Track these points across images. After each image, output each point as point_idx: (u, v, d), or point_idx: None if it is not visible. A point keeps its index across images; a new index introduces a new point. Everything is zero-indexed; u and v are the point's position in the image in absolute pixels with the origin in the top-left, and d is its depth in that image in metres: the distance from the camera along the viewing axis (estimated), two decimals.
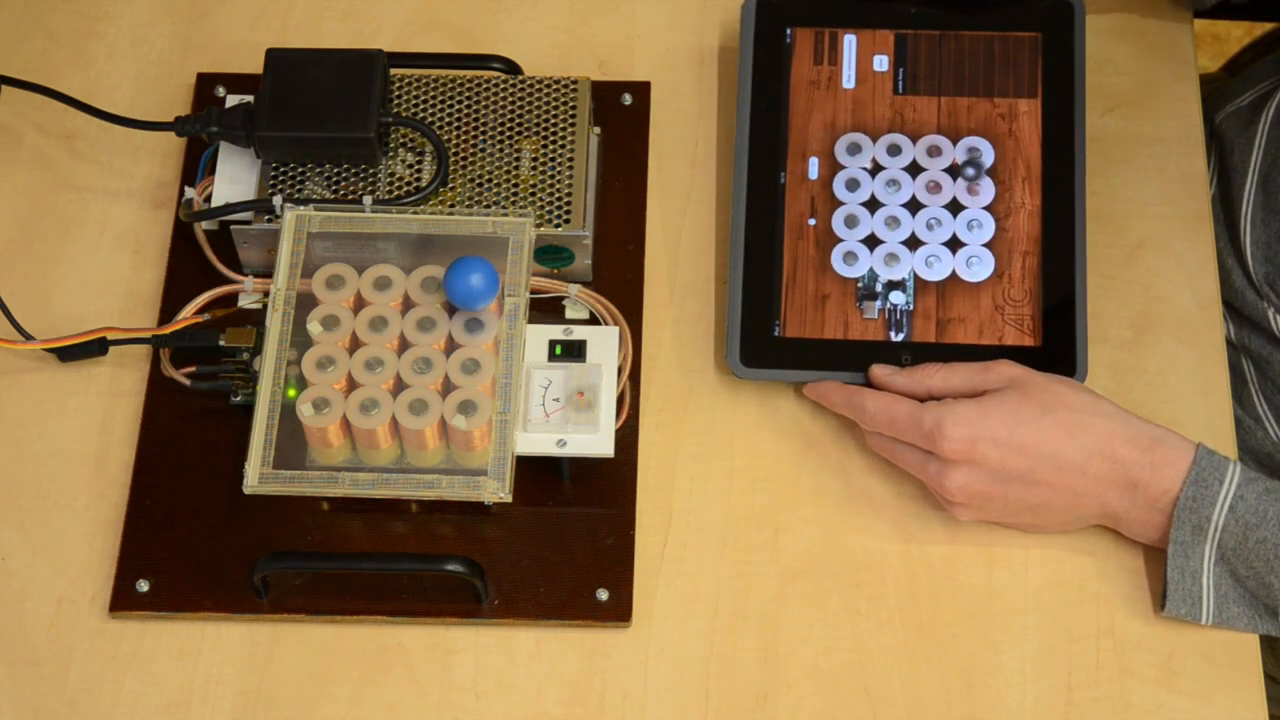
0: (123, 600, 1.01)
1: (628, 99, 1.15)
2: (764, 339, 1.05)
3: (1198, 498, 0.96)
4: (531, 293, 1.05)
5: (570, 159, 1.08)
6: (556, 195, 1.06)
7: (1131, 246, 1.12)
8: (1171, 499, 0.97)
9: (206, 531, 1.02)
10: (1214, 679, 1.00)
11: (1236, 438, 1.07)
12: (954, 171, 1.09)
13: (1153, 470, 0.97)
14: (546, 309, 1.08)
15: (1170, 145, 1.15)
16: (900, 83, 1.11)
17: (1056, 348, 1.04)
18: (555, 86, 1.10)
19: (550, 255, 1.07)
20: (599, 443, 1.01)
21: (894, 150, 1.09)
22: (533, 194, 1.07)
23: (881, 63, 1.11)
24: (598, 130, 1.11)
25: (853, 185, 1.09)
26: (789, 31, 1.12)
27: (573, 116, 1.09)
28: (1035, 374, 1.00)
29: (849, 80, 1.11)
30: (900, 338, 1.05)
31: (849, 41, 1.12)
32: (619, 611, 1.01)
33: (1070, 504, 0.99)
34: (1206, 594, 0.98)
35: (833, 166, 1.09)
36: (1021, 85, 1.10)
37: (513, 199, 1.06)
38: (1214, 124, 1.20)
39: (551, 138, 1.08)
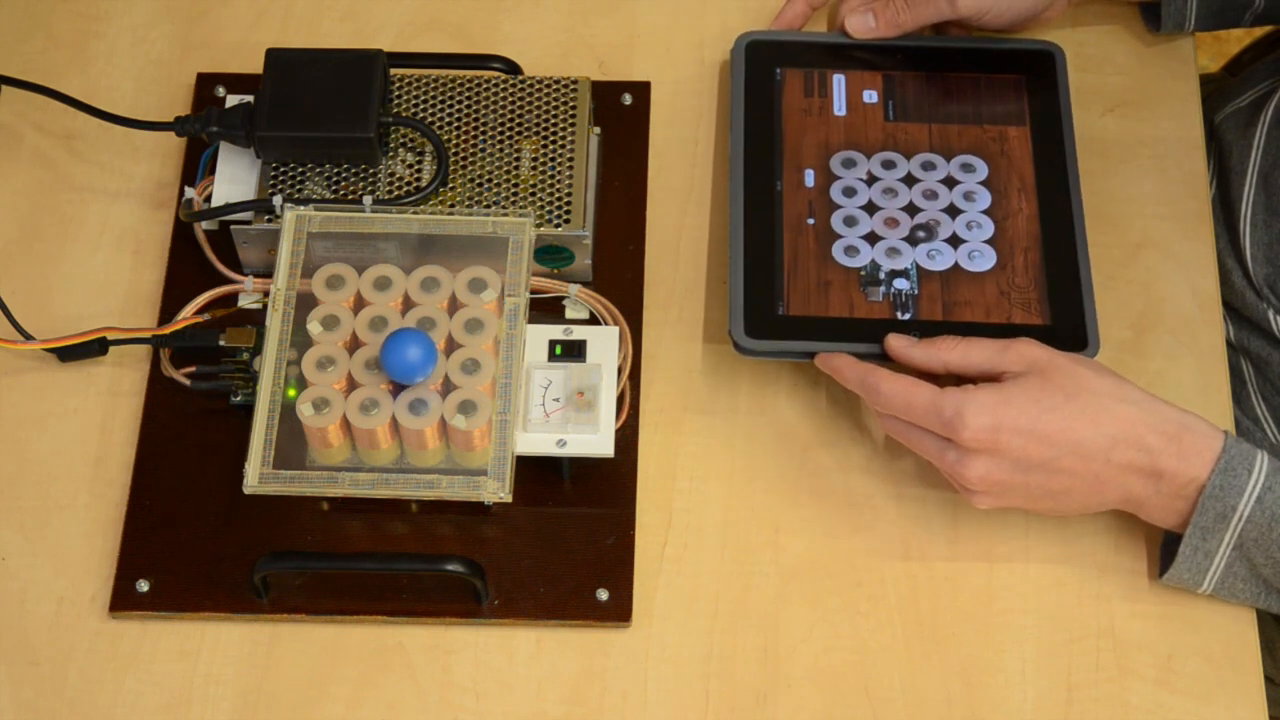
0: (123, 600, 1.01)
1: (628, 99, 1.15)
2: (769, 314, 1.04)
3: (1225, 487, 0.96)
4: (531, 293, 1.05)
5: (570, 159, 1.08)
6: (556, 195, 1.07)
7: (1131, 246, 1.12)
8: (1197, 487, 0.96)
9: (206, 531, 1.02)
10: (1214, 679, 1.00)
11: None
12: (949, 183, 1.09)
13: (1179, 458, 0.96)
14: (546, 309, 1.08)
15: (1170, 145, 1.15)
16: (890, 113, 1.11)
17: (1066, 324, 1.03)
18: (555, 86, 1.10)
19: (550, 255, 1.07)
20: (599, 443, 1.01)
21: (888, 165, 1.10)
22: (533, 194, 1.07)
23: (871, 96, 1.12)
24: (598, 130, 1.12)
25: (849, 192, 1.09)
26: (778, 71, 1.12)
27: (573, 116, 1.09)
28: (1057, 355, 0.98)
29: (840, 109, 1.11)
30: (907, 317, 1.04)
31: (838, 80, 1.12)
32: (619, 611, 1.01)
33: (1092, 490, 0.98)
34: (1214, 570, 0.98)
35: (829, 177, 1.09)
36: (1009, 116, 1.11)
37: (513, 199, 1.06)
38: (1214, 124, 1.20)
39: (551, 138, 1.08)
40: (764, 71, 1.13)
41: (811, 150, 1.10)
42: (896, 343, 1.01)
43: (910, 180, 1.09)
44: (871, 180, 1.09)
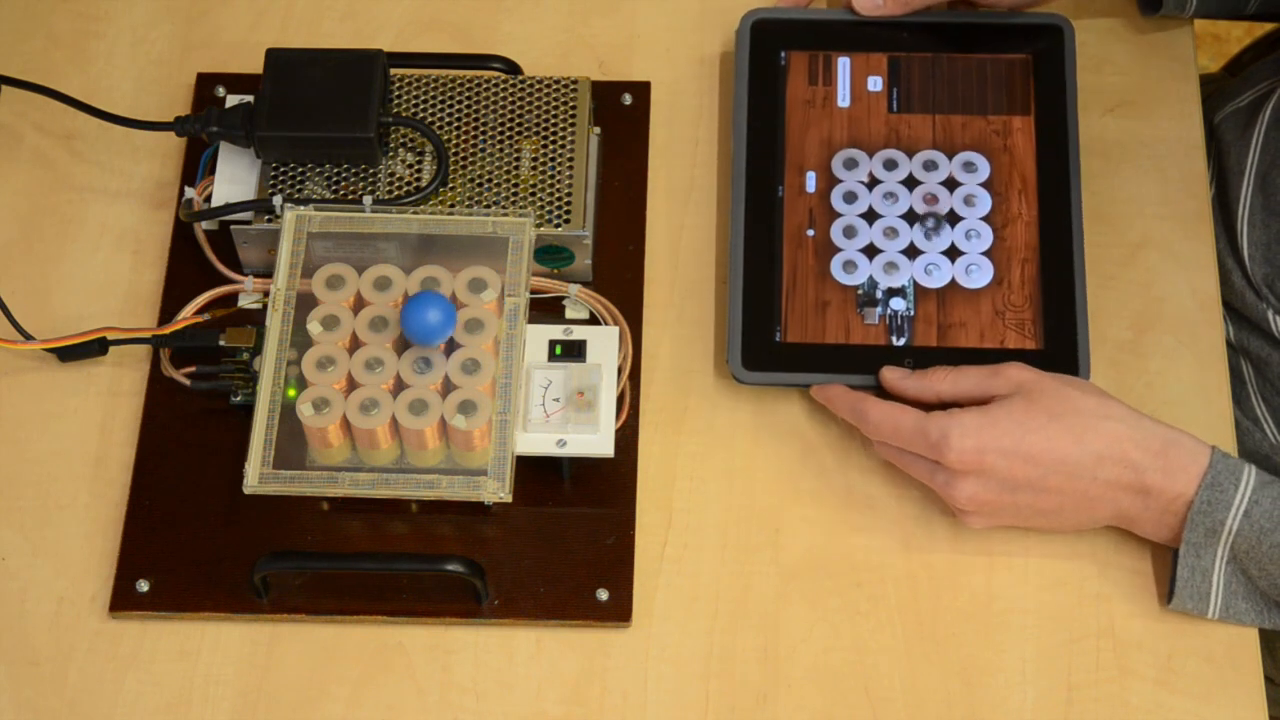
0: (123, 600, 1.01)
1: (628, 99, 1.15)
2: (765, 343, 1.05)
3: (1212, 502, 0.96)
4: (531, 293, 1.05)
5: (570, 159, 1.08)
6: (556, 195, 1.07)
7: (1131, 246, 1.12)
8: (1185, 503, 0.97)
9: (206, 531, 1.02)
10: (1214, 679, 1.00)
11: (1235, 438, 1.07)
12: (950, 185, 1.09)
13: (1165, 474, 0.97)
14: (546, 309, 1.08)
15: (1170, 145, 1.15)
16: (894, 102, 1.11)
17: (1058, 350, 1.04)
18: (555, 86, 1.10)
19: (550, 255, 1.07)
20: (599, 443, 1.01)
21: (890, 165, 1.10)
22: (533, 194, 1.07)
23: (876, 83, 1.12)
24: (598, 130, 1.12)
25: (850, 198, 1.09)
26: (783, 54, 1.12)
27: (573, 116, 1.09)
28: (1044, 377, 0.99)
29: (844, 100, 1.11)
30: (902, 342, 1.05)
31: (843, 64, 1.12)
32: (619, 611, 1.01)
33: (1082, 507, 0.99)
34: (1215, 591, 0.98)
35: (830, 180, 1.09)
36: (1015, 104, 1.11)
37: (513, 199, 1.06)
38: (1213, 124, 1.20)
39: (551, 138, 1.08)
40: (769, 55, 1.12)
41: (814, 149, 1.10)
42: (891, 375, 1.03)
43: (911, 183, 1.09)
44: (873, 183, 1.09)
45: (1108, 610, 1.02)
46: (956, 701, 0.99)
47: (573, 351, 1.03)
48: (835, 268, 1.07)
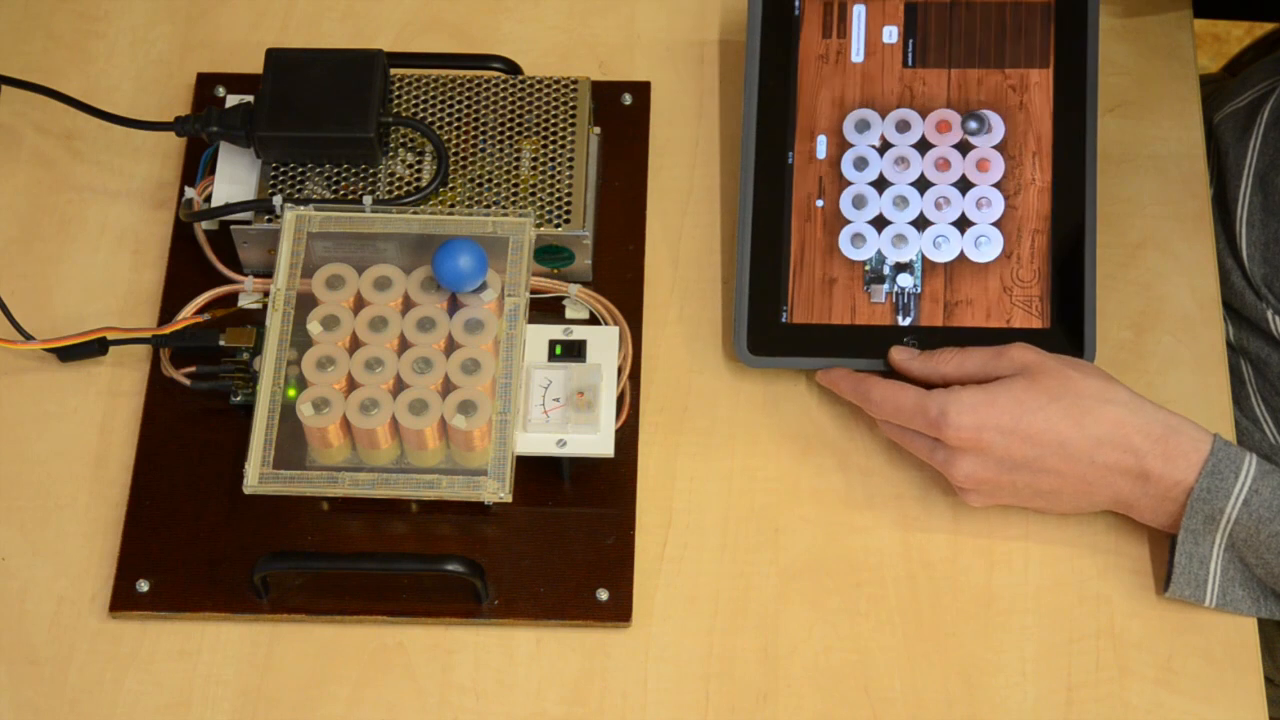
0: (123, 600, 1.01)
1: (628, 99, 1.15)
2: (771, 325, 1.05)
3: (1212, 489, 0.96)
4: (531, 293, 1.05)
5: (570, 159, 1.08)
6: (556, 195, 1.07)
7: (1131, 246, 1.12)
8: (1185, 489, 0.97)
9: (206, 531, 1.02)
10: (1214, 679, 1.00)
11: (1234, 439, 1.07)
12: (963, 148, 1.08)
13: (1165, 460, 0.97)
14: (546, 309, 1.08)
15: (1170, 145, 1.15)
16: (910, 55, 1.10)
17: (1065, 330, 1.04)
18: (555, 86, 1.10)
19: (550, 255, 1.07)
20: (599, 443, 1.01)
21: (903, 126, 1.09)
22: (533, 194, 1.07)
23: (891, 34, 1.10)
24: (598, 130, 1.12)
25: (861, 164, 1.08)
26: (798, 3, 1.11)
27: (573, 116, 1.09)
28: (1048, 358, 1.00)
29: (858, 54, 1.10)
30: (908, 322, 1.05)
31: (858, 12, 1.11)
32: (619, 611, 1.01)
33: (1080, 490, 0.99)
34: (1212, 578, 0.98)
35: (841, 145, 1.09)
36: (1033, 55, 1.09)
37: (513, 199, 1.06)
38: (1212, 124, 1.20)
39: (551, 138, 1.08)
40: (783, 4, 1.10)
41: (826, 109, 1.09)
42: (899, 355, 1.03)
43: (924, 146, 1.08)
44: (884, 147, 1.08)
45: (1107, 610, 1.02)
46: (956, 701, 0.99)
47: (573, 351, 1.03)
48: (844, 241, 1.07)
